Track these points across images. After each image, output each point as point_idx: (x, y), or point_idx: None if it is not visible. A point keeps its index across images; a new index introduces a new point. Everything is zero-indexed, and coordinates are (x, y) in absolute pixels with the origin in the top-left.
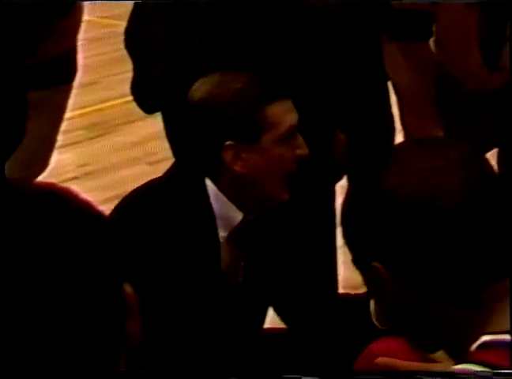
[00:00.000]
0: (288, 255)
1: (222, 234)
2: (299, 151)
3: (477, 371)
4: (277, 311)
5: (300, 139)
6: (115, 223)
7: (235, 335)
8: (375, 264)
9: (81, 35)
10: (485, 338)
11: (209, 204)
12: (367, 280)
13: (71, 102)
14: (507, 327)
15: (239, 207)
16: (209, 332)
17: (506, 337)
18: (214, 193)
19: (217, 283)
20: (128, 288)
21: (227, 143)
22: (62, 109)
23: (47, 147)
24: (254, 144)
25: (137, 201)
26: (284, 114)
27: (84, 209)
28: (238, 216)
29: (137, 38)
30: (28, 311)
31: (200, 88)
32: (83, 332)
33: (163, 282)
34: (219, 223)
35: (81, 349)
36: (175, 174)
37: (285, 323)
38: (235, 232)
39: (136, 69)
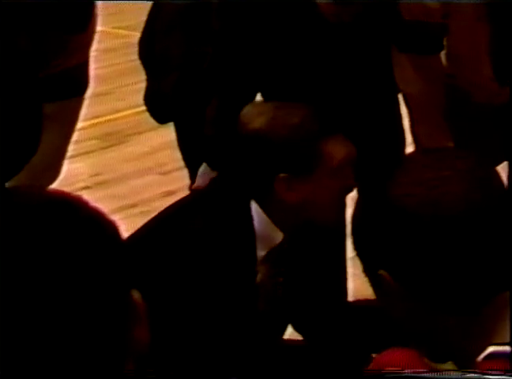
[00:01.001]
0: (308, 268)
1: (261, 252)
2: (347, 183)
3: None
4: (294, 323)
5: (349, 170)
6: (151, 233)
7: (257, 345)
8: (381, 272)
9: (95, 46)
10: (492, 349)
11: (252, 224)
12: (375, 289)
13: (84, 112)
14: None
15: (282, 229)
16: (233, 342)
17: None
18: (258, 215)
19: (250, 298)
20: (136, 295)
21: (282, 175)
22: (73, 121)
23: (58, 157)
24: (307, 177)
25: (178, 214)
26: (337, 148)
27: (95, 217)
28: (279, 236)
29: (150, 49)
30: (36, 316)
31: (256, 119)
32: (90, 337)
33: (196, 293)
34: (258, 242)
35: (89, 354)
36: (220, 193)
37: (302, 335)
38: (275, 251)
39: (149, 80)
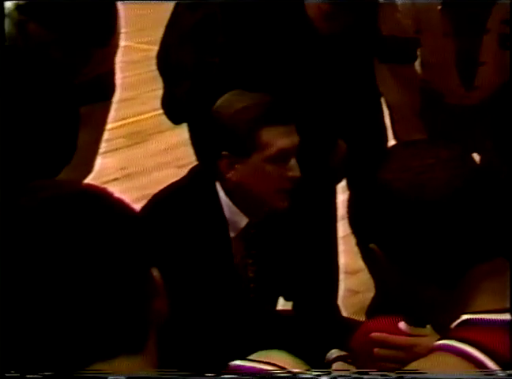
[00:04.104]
0: (295, 247)
1: (231, 234)
2: (290, 173)
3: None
4: (287, 298)
5: (294, 162)
6: (145, 219)
7: (248, 319)
8: (372, 245)
9: (121, 58)
10: (466, 317)
11: (220, 207)
12: (366, 260)
13: (113, 114)
14: (487, 307)
15: (244, 212)
16: (224, 316)
17: (486, 316)
18: (223, 199)
19: (231, 277)
20: (155, 272)
21: (223, 153)
22: (103, 122)
23: (91, 154)
24: (245, 159)
25: (159, 203)
26: (278, 137)
27: (118, 206)
28: (243, 221)
29: (166, 60)
30: (69, 288)
31: (217, 101)
32: (118, 306)
33: (183, 272)
34: (229, 225)
35: (117, 322)
36: (191, 178)
37: (294, 306)
38: (242, 234)
39: (166, 87)
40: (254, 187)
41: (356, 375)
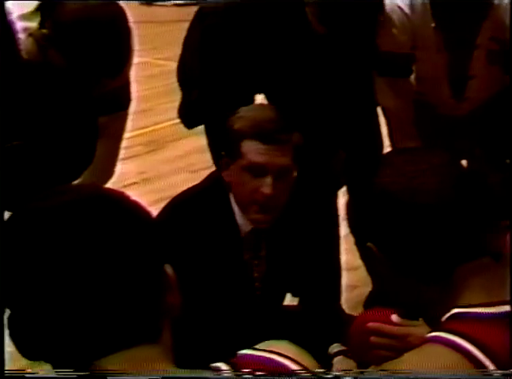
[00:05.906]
0: (302, 247)
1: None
2: (262, 189)
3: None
4: (294, 294)
5: (269, 180)
6: (164, 219)
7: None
8: (369, 244)
9: (140, 73)
10: (455, 310)
11: (232, 211)
12: (363, 258)
13: (132, 124)
14: (475, 301)
15: (246, 216)
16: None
17: (474, 310)
18: (234, 206)
19: (239, 276)
20: (168, 269)
21: (222, 153)
22: (121, 131)
23: (111, 161)
24: (232, 162)
25: (177, 205)
26: (253, 152)
27: (134, 208)
28: (247, 226)
29: (183, 72)
30: (88, 284)
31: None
32: (134, 300)
33: (198, 269)
34: (240, 227)
35: (134, 313)
36: (208, 183)
37: (301, 302)
38: (247, 238)
39: (183, 96)
40: (236, 191)
41: (386, 375)
